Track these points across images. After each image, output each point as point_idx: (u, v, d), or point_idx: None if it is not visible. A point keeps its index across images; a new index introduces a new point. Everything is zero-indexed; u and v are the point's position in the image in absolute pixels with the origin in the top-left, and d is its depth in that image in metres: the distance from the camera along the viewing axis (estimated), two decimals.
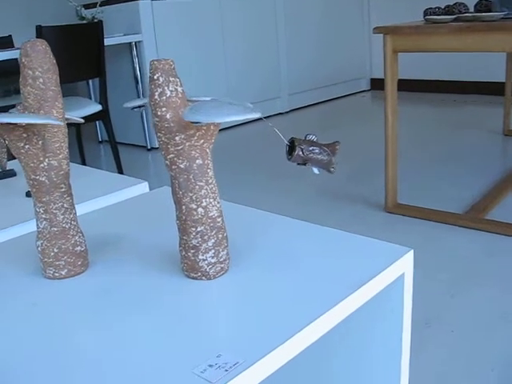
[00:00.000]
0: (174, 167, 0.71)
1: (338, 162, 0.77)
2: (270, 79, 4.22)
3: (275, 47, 4.17)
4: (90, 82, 3.56)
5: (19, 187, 1.24)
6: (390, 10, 4.90)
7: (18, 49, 3.13)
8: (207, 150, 0.71)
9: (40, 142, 0.72)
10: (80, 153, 3.31)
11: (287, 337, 0.61)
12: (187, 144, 0.69)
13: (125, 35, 3.18)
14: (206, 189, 0.72)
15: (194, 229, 0.72)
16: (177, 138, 0.69)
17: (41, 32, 2.49)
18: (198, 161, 0.70)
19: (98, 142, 3.93)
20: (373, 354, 0.87)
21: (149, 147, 3.55)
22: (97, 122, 3.77)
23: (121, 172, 2.99)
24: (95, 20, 3.28)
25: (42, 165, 0.73)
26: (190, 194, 0.71)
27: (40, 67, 0.70)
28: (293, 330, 0.62)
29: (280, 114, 4.38)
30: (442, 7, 2.44)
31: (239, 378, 0.56)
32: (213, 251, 0.73)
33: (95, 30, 2.67)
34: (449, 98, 4.54)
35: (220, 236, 0.74)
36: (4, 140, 0.73)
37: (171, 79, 0.68)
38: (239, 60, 3.92)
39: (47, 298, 0.73)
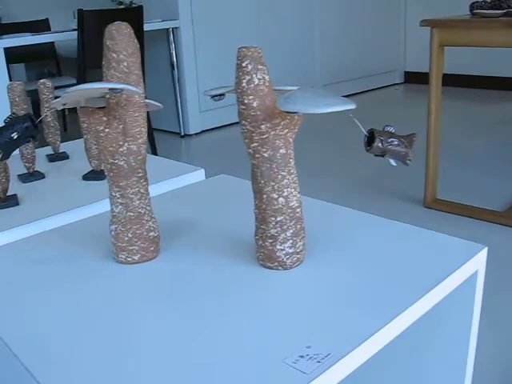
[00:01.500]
0: (257, 156, 0.70)
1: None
2: (304, 69, 4.19)
3: (310, 37, 4.13)
4: None
5: (73, 170, 1.25)
6: (427, 2, 4.82)
7: (54, 32, 3.14)
8: (290, 140, 0.70)
9: (120, 127, 0.72)
10: None
11: (375, 329, 0.60)
12: (272, 133, 0.68)
13: (163, 21, 3.17)
14: (288, 178, 0.71)
15: (273, 218, 0.71)
16: (262, 127, 0.68)
17: (82, 16, 2.50)
18: (281, 150, 0.69)
19: None
20: (439, 352, 0.85)
21: (182, 134, 3.55)
22: None
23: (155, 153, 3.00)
24: (133, 5, 3.28)
25: (121, 149, 0.73)
26: (272, 184, 0.70)
27: (125, 50, 0.70)
28: (379, 323, 0.61)
29: None
30: (489, 1, 2.39)
31: (333, 370, 0.55)
32: (291, 241, 0.72)
33: (136, 15, 2.67)
34: (486, 94, 4.47)
35: (298, 226, 0.73)
36: (83, 123, 0.73)
37: (259, 67, 0.67)
38: (275, 50, 3.89)
39: (120, 283, 0.73)
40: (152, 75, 3.37)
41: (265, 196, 0.71)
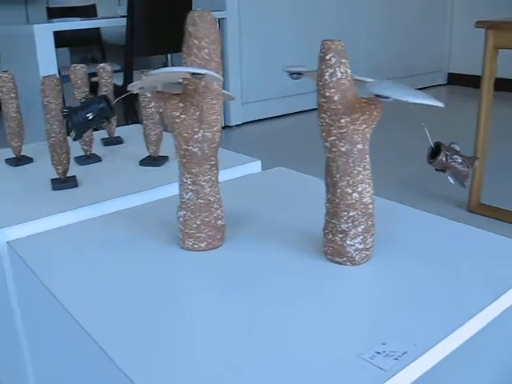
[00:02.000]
0: (334, 150, 0.69)
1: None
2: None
3: (355, 32, 4.09)
4: (169, 55, 3.58)
5: (129, 155, 1.26)
6: (474, 2, 4.71)
7: (101, 18, 3.17)
8: (367, 135, 0.69)
9: (197, 113, 0.72)
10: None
11: (451, 330, 0.59)
12: (351, 127, 0.68)
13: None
14: (363, 174, 0.70)
15: (345, 213, 0.71)
16: (342, 121, 0.67)
17: (132, 2, 2.52)
18: (358, 145, 0.69)
19: None
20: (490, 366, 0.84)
21: (223, 125, 3.56)
22: None
23: None
24: None
25: (196, 136, 0.73)
26: (348, 178, 0.69)
27: (207, 37, 0.70)
28: (455, 324, 0.60)
29: None
30: None
31: (410, 368, 0.54)
32: (361, 237, 0.72)
33: (186, 3, 2.68)
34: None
35: (370, 222, 0.72)
36: (159, 107, 0.73)
37: (343, 60, 0.66)
38: (318, 44, 3.86)
39: (187, 269, 0.74)
40: None
41: (339, 190, 0.70)
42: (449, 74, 5.01)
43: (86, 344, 0.61)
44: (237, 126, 3.60)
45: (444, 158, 0.71)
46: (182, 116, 0.72)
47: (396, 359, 0.55)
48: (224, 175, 1.11)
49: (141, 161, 1.18)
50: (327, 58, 0.66)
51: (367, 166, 0.70)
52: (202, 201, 0.75)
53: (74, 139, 0.77)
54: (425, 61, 4.77)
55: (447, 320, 0.61)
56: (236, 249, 0.79)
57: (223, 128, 3.57)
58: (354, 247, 0.72)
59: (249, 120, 3.67)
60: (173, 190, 1.05)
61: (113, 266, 0.75)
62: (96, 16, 3.78)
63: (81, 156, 1.23)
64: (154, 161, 1.17)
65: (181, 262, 0.76)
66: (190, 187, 0.75)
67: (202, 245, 0.78)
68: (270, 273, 0.72)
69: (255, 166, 1.16)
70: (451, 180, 0.74)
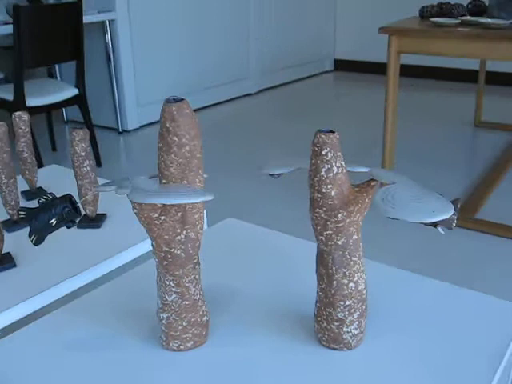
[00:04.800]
0: (330, 243, 0.66)
1: None
2: (240, 60, 4.12)
3: (245, 27, 4.06)
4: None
5: None
6: None
7: None
8: (360, 223, 0.68)
9: (179, 214, 0.66)
10: (50, 137, 3.11)
11: None
12: (347, 220, 0.65)
13: (99, 13, 2.97)
14: (359, 263, 0.68)
15: (342, 303, 0.69)
16: (339, 216, 0.65)
17: (18, 12, 2.28)
18: (354, 236, 0.67)
19: (64, 122, 3.70)
20: None
21: (120, 130, 3.39)
22: None
23: (98, 158, 2.85)
24: None
25: (178, 237, 0.67)
26: (344, 270, 0.67)
27: (187, 134, 0.63)
28: None
29: (249, 94, 4.30)
30: (435, 5, 2.45)
31: None
32: (357, 323, 0.70)
33: (75, 8, 2.48)
34: (408, 83, 4.61)
35: (364, 307, 0.71)
36: (133, 208, 0.66)
37: (338, 154, 0.63)
38: (210, 41, 3.79)
39: (178, 375, 0.68)
40: (88, 69, 3.17)
41: (335, 282, 0.68)
42: (335, 60, 5.17)
43: None
44: (134, 130, 3.45)
45: None
46: (162, 217, 0.66)
47: None
48: None
49: (78, 223, 1.08)
50: (323, 153, 0.63)
51: (361, 254, 0.68)
52: (187, 302, 0.70)
53: (35, 244, 0.67)
54: (312, 49, 4.87)
55: None
56: (225, 344, 0.74)
57: (120, 133, 3.41)
58: (350, 333, 0.71)
59: (147, 122, 3.54)
60: (125, 257, 0.98)
61: (92, 375, 0.67)
62: None
63: (7, 220, 1.09)
64: (91, 222, 1.07)
65: (167, 366, 0.70)
66: (173, 289, 0.69)
67: (189, 344, 0.72)
68: (265, 368, 0.68)
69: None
70: (441, 230, 0.74)
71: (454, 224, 0.76)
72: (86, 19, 2.79)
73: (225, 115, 3.82)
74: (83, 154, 1.03)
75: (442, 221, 0.73)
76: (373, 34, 3.98)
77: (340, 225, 0.65)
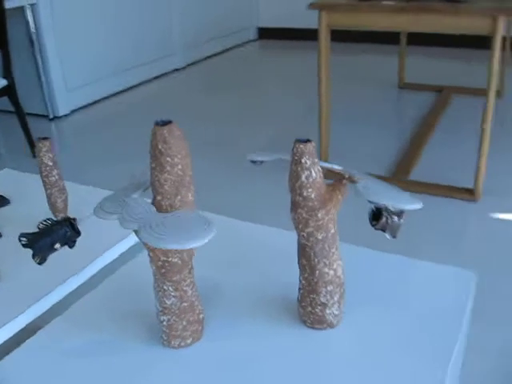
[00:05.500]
0: (311, 239, 0.74)
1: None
2: (163, 35, 4.07)
3: (165, 0, 4.01)
4: None
5: (25, 220, 1.16)
6: None
7: None
8: (335, 217, 0.76)
9: None
10: None
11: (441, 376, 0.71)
12: (326, 218, 0.73)
13: None
14: (336, 253, 0.77)
15: (324, 289, 0.77)
16: (319, 215, 0.72)
17: None
18: (332, 230, 0.75)
19: None
20: None
21: (51, 117, 3.30)
22: None
23: (33, 149, 2.78)
24: None
25: None
26: (325, 260, 0.76)
27: (179, 153, 0.68)
28: (440, 372, 0.72)
29: (176, 70, 4.27)
30: None
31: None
32: (337, 304, 0.79)
33: None
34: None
35: (342, 290, 0.80)
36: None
37: (315, 161, 0.71)
38: (133, 19, 3.72)
39: (180, 370, 0.75)
40: (12, 56, 3.05)
41: (317, 272, 0.76)
42: (258, 28, 5.20)
43: None
44: (65, 115, 3.37)
45: (385, 220, 0.80)
46: None
47: None
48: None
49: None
50: (303, 161, 0.70)
51: (337, 244, 0.77)
52: (185, 304, 0.76)
53: (39, 264, 0.71)
54: (236, 18, 4.88)
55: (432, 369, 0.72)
56: (217, 336, 0.81)
57: (51, 120, 3.33)
58: (332, 314, 0.80)
59: (77, 107, 3.46)
60: (107, 258, 1.02)
61: (97, 377, 0.73)
62: None
63: None
64: None
65: (171, 363, 0.76)
66: (172, 294, 0.75)
67: (189, 341, 0.79)
68: (259, 353, 0.77)
69: None
70: (388, 236, 0.83)
71: (399, 232, 0.84)
72: (7, 5, 2.67)
73: (154, 92, 3.80)
74: (51, 163, 1.05)
75: (391, 227, 0.81)
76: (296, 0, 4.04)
77: (320, 222, 0.73)
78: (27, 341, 0.82)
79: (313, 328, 0.81)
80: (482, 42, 4.33)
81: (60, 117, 3.32)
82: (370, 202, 0.69)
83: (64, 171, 1.11)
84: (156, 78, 4.09)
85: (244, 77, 4.10)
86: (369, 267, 0.95)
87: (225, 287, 0.92)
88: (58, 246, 0.68)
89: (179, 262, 0.73)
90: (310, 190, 0.71)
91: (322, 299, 0.78)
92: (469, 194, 2.30)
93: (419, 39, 4.24)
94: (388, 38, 4.42)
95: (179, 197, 0.70)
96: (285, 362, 0.75)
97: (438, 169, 2.55)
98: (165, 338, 0.78)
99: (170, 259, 0.73)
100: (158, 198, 0.70)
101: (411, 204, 0.68)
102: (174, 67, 4.26)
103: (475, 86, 3.49)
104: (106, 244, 1.05)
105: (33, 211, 1.21)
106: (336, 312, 0.80)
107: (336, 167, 0.76)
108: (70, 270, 0.98)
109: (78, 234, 0.71)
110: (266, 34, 5.13)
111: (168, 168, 0.68)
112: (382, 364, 0.74)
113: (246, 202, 2.32)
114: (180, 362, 0.76)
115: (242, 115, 3.26)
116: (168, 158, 0.68)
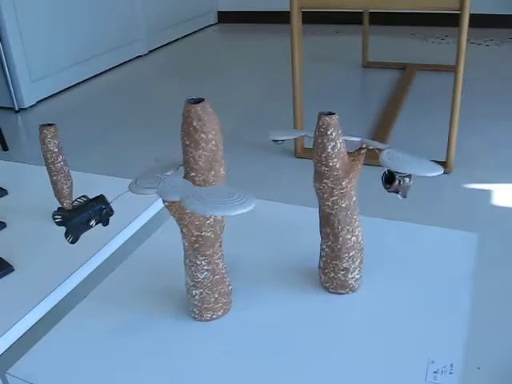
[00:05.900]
0: (336, 207, 0.78)
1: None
2: (125, 21, 4.01)
3: None
4: None
5: (30, 210, 1.15)
6: None
7: None
8: (356, 186, 0.80)
9: None
10: None
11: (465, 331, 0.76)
12: (349, 186, 0.77)
13: None
14: (358, 220, 0.81)
15: (346, 255, 0.82)
16: (343, 183, 0.76)
17: None
18: (354, 198, 0.79)
19: None
20: None
21: (17, 109, 3.21)
22: None
23: (4, 142, 2.72)
24: None
25: (208, 221, 0.75)
26: (348, 227, 0.80)
27: (213, 129, 0.71)
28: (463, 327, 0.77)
29: (139, 56, 4.22)
30: None
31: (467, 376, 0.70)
32: (358, 269, 0.84)
33: None
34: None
35: (362, 255, 0.84)
36: (163, 201, 0.72)
37: (339, 132, 0.74)
38: (94, 7, 3.64)
39: (216, 342, 0.78)
40: None
41: (341, 238, 0.80)
42: (218, 12, 5.17)
43: None
44: (31, 107, 3.30)
45: (398, 183, 0.84)
46: None
47: (451, 373, 0.70)
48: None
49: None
50: (329, 133, 0.73)
51: (358, 210, 0.81)
52: (217, 277, 0.79)
53: (72, 243, 0.72)
54: (196, 3, 4.84)
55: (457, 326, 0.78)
56: (245, 307, 0.84)
57: (17, 112, 3.24)
58: (354, 279, 0.84)
59: (43, 97, 3.39)
60: (119, 240, 1.04)
61: (135, 355, 0.75)
62: None
63: None
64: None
65: (205, 335, 0.79)
66: (205, 267, 0.78)
67: (220, 313, 0.82)
68: (287, 320, 0.80)
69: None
70: (400, 197, 0.88)
71: (409, 192, 0.89)
72: None
73: (119, 79, 3.75)
74: (56, 150, 1.05)
75: (403, 188, 0.86)
76: None
77: (344, 190, 0.77)
78: (60, 322, 0.84)
79: (335, 293, 0.85)
80: (436, 20, 4.45)
81: (26, 108, 3.24)
82: (396, 172, 0.74)
83: (36, 162, 1.10)
84: (120, 65, 4.04)
85: (206, 61, 4.09)
86: (379, 234, 1.00)
87: (245, 260, 0.95)
88: (93, 222, 0.70)
89: (212, 235, 0.76)
90: (335, 160, 0.75)
91: (345, 264, 0.82)
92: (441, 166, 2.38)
93: (381, 18, 4.32)
94: (349, 18, 4.48)
95: (213, 172, 0.73)
96: (311, 326, 0.79)
97: (409, 143, 2.62)
98: (196, 312, 0.81)
99: (203, 233, 0.75)
100: (192, 174, 0.72)
101: (434, 171, 0.72)
102: (137, 54, 4.21)
103: (435, 63, 3.59)
104: (118, 227, 1.06)
105: (32, 200, 1.21)
106: (357, 276, 0.84)
107: (355, 138, 0.79)
108: (87, 252, 0.99)
109: (112, 210, 0.72)
110: (225, 17, 5.11)
111: (203, 144, 0.71)
112: (403, 322, 0.79)
113: None
114: (214, 333, 0.79)
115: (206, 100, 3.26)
116: (202, 135, 0.70)
